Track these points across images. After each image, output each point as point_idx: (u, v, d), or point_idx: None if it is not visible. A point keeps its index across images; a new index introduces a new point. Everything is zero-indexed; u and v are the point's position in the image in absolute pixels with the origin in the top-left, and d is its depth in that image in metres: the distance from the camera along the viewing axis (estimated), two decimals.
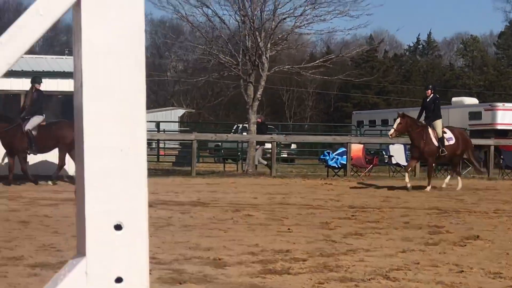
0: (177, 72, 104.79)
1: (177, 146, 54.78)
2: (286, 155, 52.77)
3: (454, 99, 63.04)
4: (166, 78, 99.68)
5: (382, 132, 56.07)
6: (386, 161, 38.31)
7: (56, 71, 30.75)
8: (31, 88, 25.34)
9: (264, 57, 35.81)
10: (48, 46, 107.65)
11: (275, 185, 28.61)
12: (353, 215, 18.22)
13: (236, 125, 59.20)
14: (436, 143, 23.57)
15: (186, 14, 37.19)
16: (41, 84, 25.56)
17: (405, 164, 35.83)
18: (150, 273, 7.91)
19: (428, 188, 24.86)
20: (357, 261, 11.40)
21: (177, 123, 70.93)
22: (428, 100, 24.63)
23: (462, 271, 10.75)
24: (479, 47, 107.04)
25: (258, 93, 36.36)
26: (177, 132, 57.18)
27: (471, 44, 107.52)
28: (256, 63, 35.86)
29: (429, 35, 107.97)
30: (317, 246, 12.83)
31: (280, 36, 38.08)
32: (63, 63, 31.91)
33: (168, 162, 47.28)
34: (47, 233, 14.31)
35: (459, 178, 25.71)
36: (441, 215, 18.69)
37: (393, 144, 37.63)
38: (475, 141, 39.38)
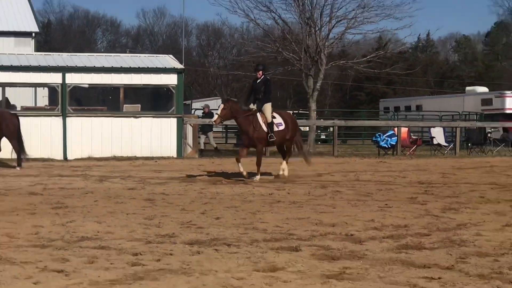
0: (219, 68, 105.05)
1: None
2: (324, 136, 51.91)
3: (468, 88, 62.64)
4: (230, 72, 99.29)
5: (407, 117, 55.25)
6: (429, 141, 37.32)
7: (146, 67, 30.22)
8: None
9: (323, 54, 35.42)
10: (111, 47, 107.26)
11: (339, 164, 27.67)
12: (427, 191, 17.29)
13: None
14: (265, 128, 19.76)
15: (254, 17, 36.78)
16: None
17: (445, 144, 35.19)
18: (299, 250, 6.96)
19: (257, 177, 19.79)
20: (475, 235, 10.57)
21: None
22: (258, 82, 20.02)
23: None
24: (470, 45, 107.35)
25: (318, 84, 35.94)
26: None
27: (463, 42, 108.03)
28: (316, 59, 35.41)
29: (428, 35, 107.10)
30: (426, 222, 12.00)
31: (335, 36, 37.44)
32: (156, 61, 31.45)
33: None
34: (176, 210, 13.61)
35: (285, 163, 20.66)
36: (504, 189, 17.70)
37: (435, 126, 37.12)
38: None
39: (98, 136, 28.74)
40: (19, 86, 31.21)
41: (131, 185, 18.42)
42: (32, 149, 27.17)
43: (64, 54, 33.41)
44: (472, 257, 8.90)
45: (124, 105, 30.15)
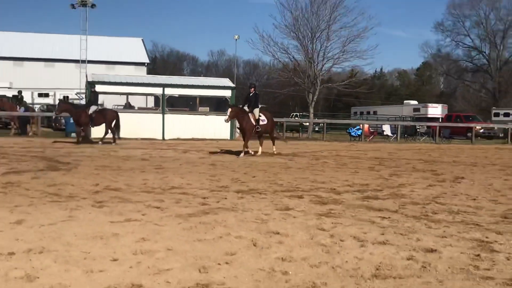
0: (259, 87, 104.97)
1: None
2: (317, 129, 51.41)
3: (405, 101, 61.91)
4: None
5: (368, 118, 54.71)
6: (380, 132, 36.91)
7: (212, 85, 30.14)
8: (90, 90, 23.34)
9: (318, 80, 35.19)
10: (191, 72, 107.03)
11: (326, 145, 27.46)
12: (380, 163, 16.98)
13: (292, 113, 58.47)
14: (254, 122, 18.38)
15: (277, 57, 36.76)
16: (95, 88, 23.36)
17: (391, 135, 34.75)
18: (302, 197, 6.65)
19: (242, 154, 18.02)
20: (410, 191, 10.29)
21: None
22: (251, 95, 18.77)
23: (474, 198, 9.54)
24: (406, 75, 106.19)
25: (314, 97, 35.80)
26: None
27: (402, 73, 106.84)
28: (314, 83, 35.17)
29: (381, 69, 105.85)
30: (380, 182, 11.71)
31: (326, 69, 37.28)
32: (218, 81, 31.41)
33: None
34: (228, 171, 13.41)
35: (260, 148, 19.13)
36: (428, 163, 17.33)
37: (384, 124, 36.76)
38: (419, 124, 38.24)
39: (183, 125, 28.63)
40: (137, 95, 31.22)
41: (202, 155, 18.27)
42: (145, 132, 27.35)
43: (164, 76, 33.53)
44: (409, 205, 8.67)
45: (199, 108, 30.09)
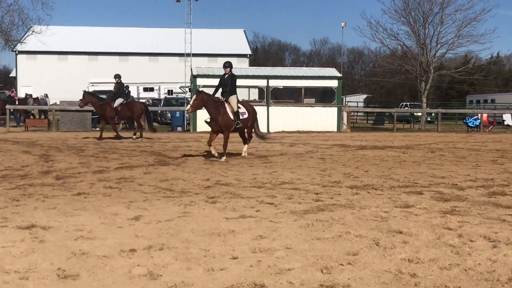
0: (361, 75, 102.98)
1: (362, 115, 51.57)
2: (429, 119, 49.78)
3: None
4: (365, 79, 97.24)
5: (485, 107, 52.47)
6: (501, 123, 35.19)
7: (318, 75, 29.92)
8: (116, 81, 21.97)
9: (431, 67, 34.13)
10: (293, 63, 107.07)
11: (440, 137, 26.45)
12: (503, 155, 16.17)
13: (401, 103, 57.15)
14: (232, 117, 14.34)
15: (386, 43, 35.99)
16: (120, 79, 21.91)
17: None
18: (422, 194, 6.37)
19: (223, 158, 14.02)
20: None
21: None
22: (225, 77, 14.59)
23: None
24: None
25: (427, 86, 34.69)
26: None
27: None
28: (426, 70, 34.14)
29: (498, 53, 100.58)
30: (505, 177, 11.19)
31: (439, 55, 36.00)
32: (324, 71, 31.15)
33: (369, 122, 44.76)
34: (339, 165, 13.26)
35: (246, 146, 15.57)
36: None
37: (505, 113, 35.06)
38: None
39: (288, 118, 28.70)
40: (241, 88, 31.44)
41: (309, 149, 18.21)
42: None
43: (268, 68, 33.68)
44: None
45: (304, 99, 29.91)
